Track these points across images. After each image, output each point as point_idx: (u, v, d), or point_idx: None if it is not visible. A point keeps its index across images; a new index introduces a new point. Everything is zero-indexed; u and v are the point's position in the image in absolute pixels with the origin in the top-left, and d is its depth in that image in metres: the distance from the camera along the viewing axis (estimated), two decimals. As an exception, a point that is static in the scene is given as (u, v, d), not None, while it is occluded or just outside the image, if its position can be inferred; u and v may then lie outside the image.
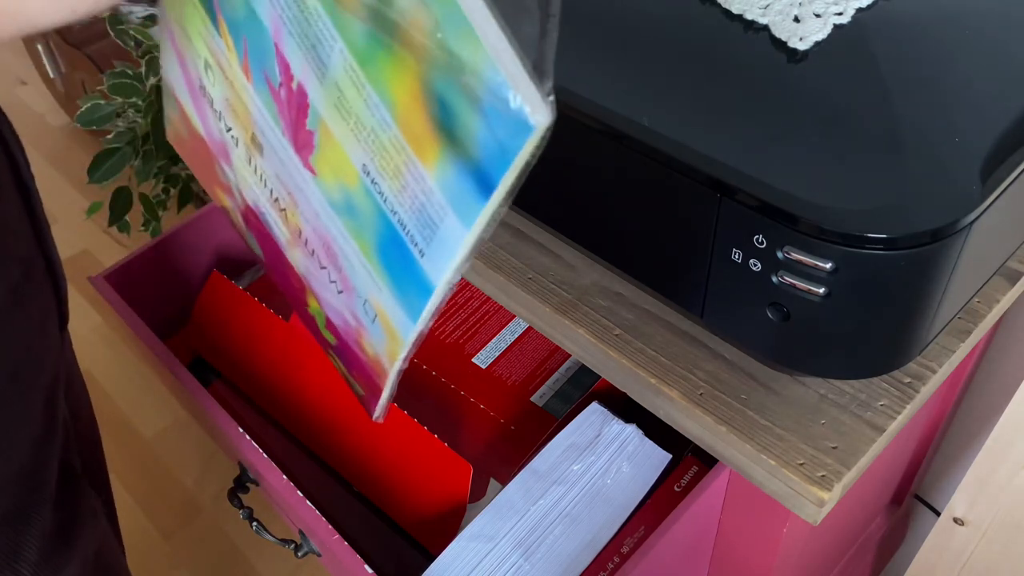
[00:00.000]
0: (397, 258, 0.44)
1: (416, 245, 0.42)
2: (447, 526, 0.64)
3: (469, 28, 0.31)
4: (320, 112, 0.43)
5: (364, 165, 0.42)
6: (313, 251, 0.52)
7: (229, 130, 0.54)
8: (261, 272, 0.90)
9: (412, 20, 0.33)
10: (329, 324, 0.56)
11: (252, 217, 0.58)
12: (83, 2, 0.33)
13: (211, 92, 0.53)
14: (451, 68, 0.33)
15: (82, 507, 0.45)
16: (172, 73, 0.57)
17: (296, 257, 0.55)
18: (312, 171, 0.47)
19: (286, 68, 0.44)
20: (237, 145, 0.54)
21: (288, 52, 0.43)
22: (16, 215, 0.40)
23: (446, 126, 0.35)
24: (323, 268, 0.52)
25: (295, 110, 0.45)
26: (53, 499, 0.42)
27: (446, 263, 0.39)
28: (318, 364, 0.72)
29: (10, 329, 0.38)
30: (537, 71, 0.31)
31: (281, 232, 0.55)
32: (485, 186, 0.35)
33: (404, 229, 0.42)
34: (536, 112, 0.31)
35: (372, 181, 0.42)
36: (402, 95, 0.36)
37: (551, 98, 0.31)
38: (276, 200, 0.53)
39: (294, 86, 0.44)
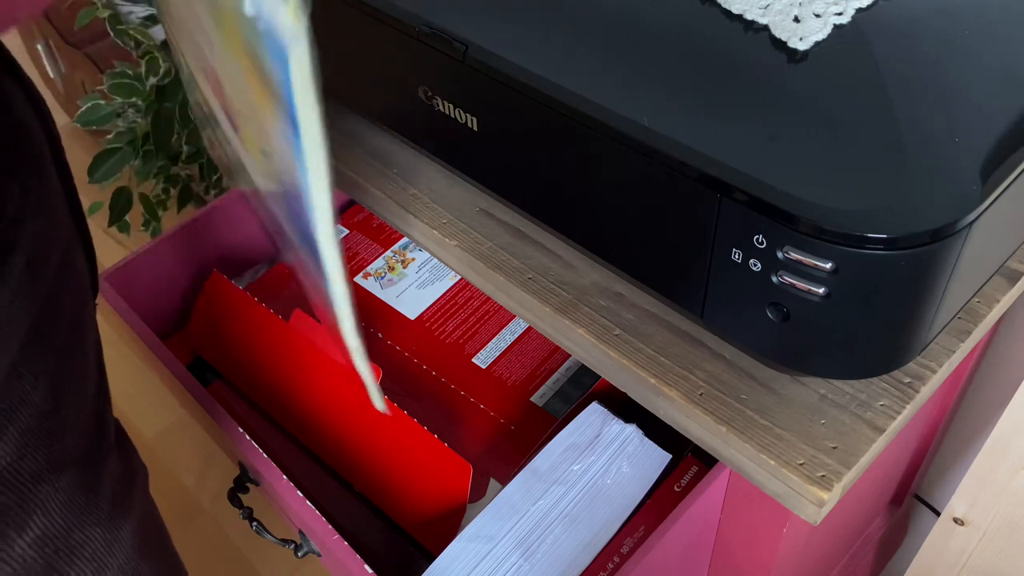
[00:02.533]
0: (301, 223, 0.43)
1: (296, 208, 0.42)
2: (447, 526, 0.64)
3: None
4: (228, 93, 0.43)
5: (262, 147, 0.43)
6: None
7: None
8: (261, 272, 0.90)
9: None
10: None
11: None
12: None
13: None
14: (247, 23, 0.32)
15: (133, 460, 0.49)
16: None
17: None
18: (246, 151, 0.47)
19: (206, 51, 0.43)
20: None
21: (200, 38, 0.42)
22: (56, 186, 0.42)
23: (263, 75, 0.35)
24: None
25: (218, 92, 0.46)
26: (115, 446, 0.46)
27: (313, 214, 0.40)
28: (318, 364, 0.72)
29: (67, 285, 0.41)
30: None
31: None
32: (294, 124, 0.35)
33: (289, 195, 0.42)
34: (284, 33, 0.31)
35: (266, 155, 0.43)
36: (240, 57, 0.36)
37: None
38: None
39: (211, 70, 0.44)
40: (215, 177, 1.14)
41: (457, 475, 0.63)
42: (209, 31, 0.38)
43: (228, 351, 0.80)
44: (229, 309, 0.80)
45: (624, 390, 0.54)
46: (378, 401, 0.59)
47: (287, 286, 0.86)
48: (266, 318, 0.75)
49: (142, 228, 1.13)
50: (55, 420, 0.40)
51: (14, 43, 1.73)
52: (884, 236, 0.39)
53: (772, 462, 0.46)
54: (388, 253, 0.88)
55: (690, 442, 0.52)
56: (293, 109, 0.33)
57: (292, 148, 0.36)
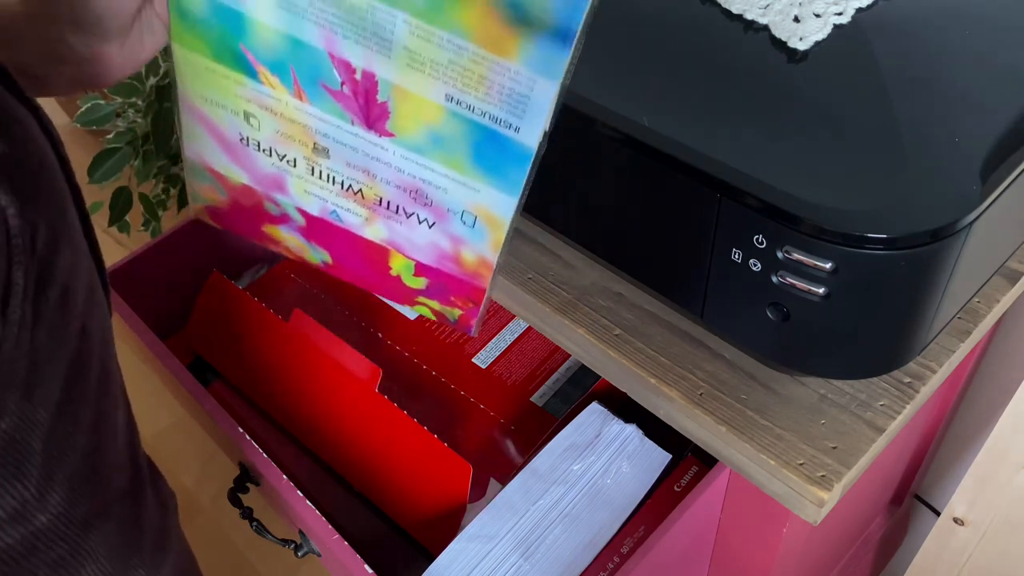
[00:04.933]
0: (492, 152, 0.51)
1: (510, 127, 0.49)
2: (447, 526, 0.64)
3: None
4: (391, 81, 0.51)
5: (447, 95, 0.49)
6: (398, 207, 0.58)
7: (283, 157, 0.61)
8: (261, 272, 0.90)
9: None
10: (419, 269, 0.62)
11: (318, 226, 0.65)
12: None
13: (256, 137, 0.61)
14: None
15: (164, 489, 0.48)
16: (201, 147, 0.65)
17: (376, 228, 0.61)
18: (391, 135, 0.54)
19: (345, 66, 0.52)
20: (295, 166, 0.61)
21: (345, 52, 0.51)
22: (74, 214, 0.42)
23: (519, 16, 0.43)
24: (410, 215, 0.58)
25: (363, 94, 0.53)
26: (149, 480, 0.46)
27: (539, 121, 0.47)
28: (318, 364, 0.72)
29: (94, 316, 0.41)
30: None
31: (356, 215, 0.61)
32: (564, 37, 0.43)
33: (497, 122, 0.49)
34: None
35: (457, 103, 0.50)
36: (473, 18, 0.45)
37: None
38: (348, 188, 0.60)
39: (358, 76, 0.52)
40: (215, 177, 1.14)
41: (457, 475, 0.63)
42: (398, 23, 0.48)
43: (228, 351, 0.80)
44: (229, 309, 0.80)
45: (624, 390, 0.54)
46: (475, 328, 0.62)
47: (287, 286, 0.87)
48: (266, 318, 0.75)
49: (142, 228, 1.12)
50: (98, 459, 0.40)
51: (14, 43, 1.72)
52: (884, 236, 0.39)
53: (772, 462, 0.46)
54: (388, 253, 0.88)
55: (690, 442, 0.52)
56: (575, 17, 0.42)
57: (545, 63, 0.44)
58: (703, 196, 0.43)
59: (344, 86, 0.53)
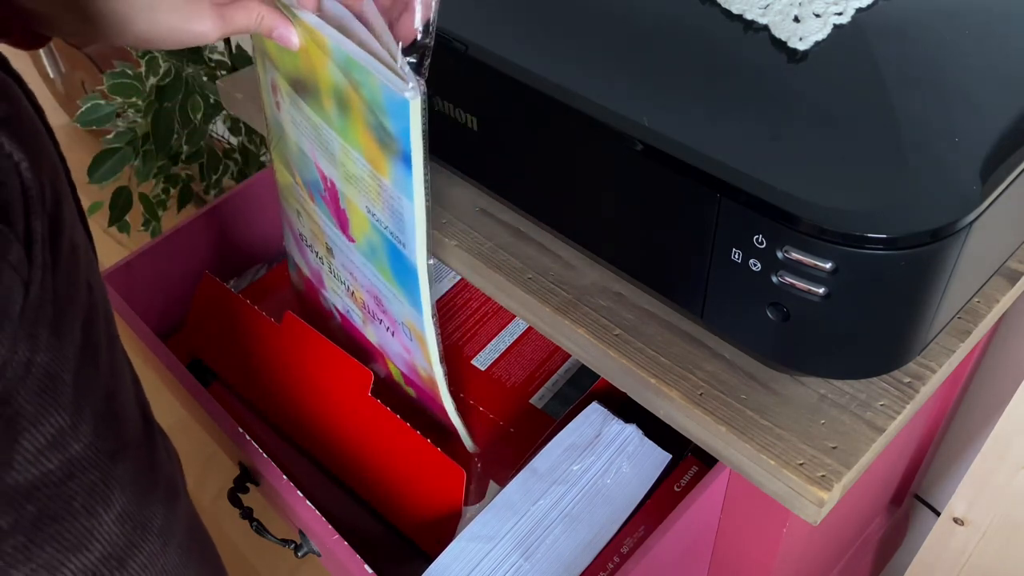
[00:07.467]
0: (399, 263, 0.55)
1: (400, 241, 0.53)
2: (443, 531, 0.63)
3: (366, 71, 0.46)
4: (342, 190, 0.57)
5: (366, 206, 0.55)
6: (372, 311, 0.65)
7: (316, 253, 0.69)
8: (261, 273, 0.90)
9: (347, 91, 0.49)
10: (405, 378, 0.68)
11: (347, 324, 0.72)
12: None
13: (304, 232, 0.70)
14: (369, 103, 0.48)
15: (169, 443, 0.51)
16: (287, 239, 0.76)
17: (369, 330, 0.67)
18: (352, 240, 0.60)
19: (323, 176, 0.59)
20: (323, 263, 0.68)
21: (321, 164, 0.58)
22: (63, 175, 0.44)
23: (381, 140, 0.49)
24: (379, 320, 0.64)
25: (334, 201, 0.59)
26: (157, 431, 0.48)
27: (413, 238, 0.52)
28: (309, 368, 0.72)
29: (94, 272, 0.43)
30: (408, 69, 0.45)
31: (359, 316, 0.68)
32: (407, 160, 0.48)
33: (393, 236, 0.54)
34: (407, 92, 0.44)
35: (371, 213, 0.55)
36: (360, 139, 0.51)
37: (421, 84, 0.45)
38: (347, 288, 0.67)
39: (329, 184, 0.58)
40: (215, 177, 1.14)
41: (451, 481, 0.63)
42: (334, 140, 0.54)
43: (225, 353, 0.80)
44: (222, 311, 0.79)
45: (624, 390, 0.54)
46: (468, 443, 0.69)
47: (287, 287, 0.86)
48: (258, 320, 0.75)
49: (142, 228, 1.13)
50: (116, 403, 0.42)
51: (14, 43, 1.72)
52: (884, 236, 0.39)
53: (772, 462, 0.46)
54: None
55: (690, 442, 0.52)
56: (408, 148, 0.47)
57: (403, 183, 0.49)
58: (703, 196, 0.43)
59: (326, 192, 0.60)
